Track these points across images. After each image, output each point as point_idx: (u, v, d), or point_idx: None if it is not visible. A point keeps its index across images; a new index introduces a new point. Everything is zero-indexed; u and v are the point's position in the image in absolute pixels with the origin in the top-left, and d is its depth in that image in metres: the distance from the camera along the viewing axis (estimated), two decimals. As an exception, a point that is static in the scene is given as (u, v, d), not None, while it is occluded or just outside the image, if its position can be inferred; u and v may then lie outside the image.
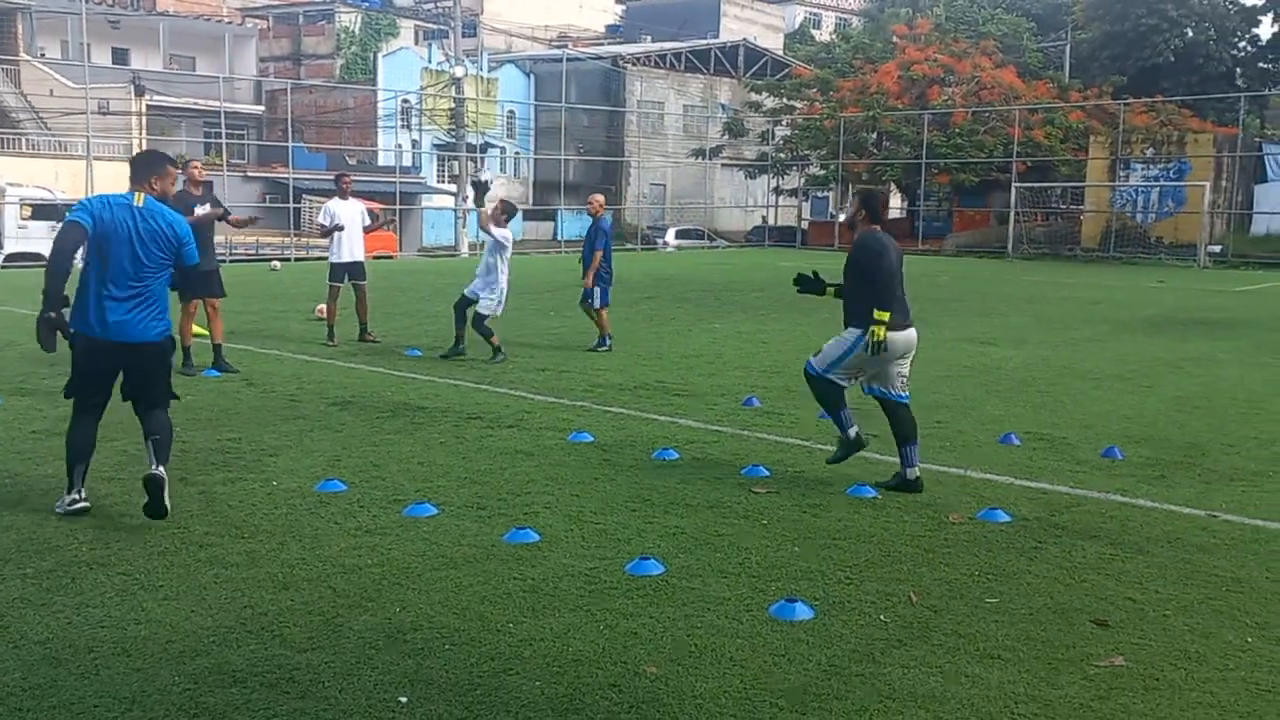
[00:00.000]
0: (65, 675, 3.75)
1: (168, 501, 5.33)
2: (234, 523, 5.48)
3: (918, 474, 6.32)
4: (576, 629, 4.23)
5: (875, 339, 6.23)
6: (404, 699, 3.64)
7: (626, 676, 3.83)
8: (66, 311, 5.51)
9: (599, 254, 11.78)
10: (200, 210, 9.93)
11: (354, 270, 12.22)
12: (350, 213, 12.16)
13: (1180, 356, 12.29)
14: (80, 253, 5.55)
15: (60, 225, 5.26)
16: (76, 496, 5.49)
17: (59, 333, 5.52)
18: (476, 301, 11.06)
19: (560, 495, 6.08)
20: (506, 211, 11.31)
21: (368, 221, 12.47)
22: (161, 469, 5.34)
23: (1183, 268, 30.81)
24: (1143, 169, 36.27)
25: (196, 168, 10.31)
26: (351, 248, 12.14)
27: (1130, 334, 14.50)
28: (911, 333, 6.59)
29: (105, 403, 5.70)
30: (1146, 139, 35.85)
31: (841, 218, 45.36)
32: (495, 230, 11.06)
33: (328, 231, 12.09)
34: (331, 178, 14.34)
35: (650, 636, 4.18)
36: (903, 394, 6.54)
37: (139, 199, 5.46)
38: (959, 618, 4.41)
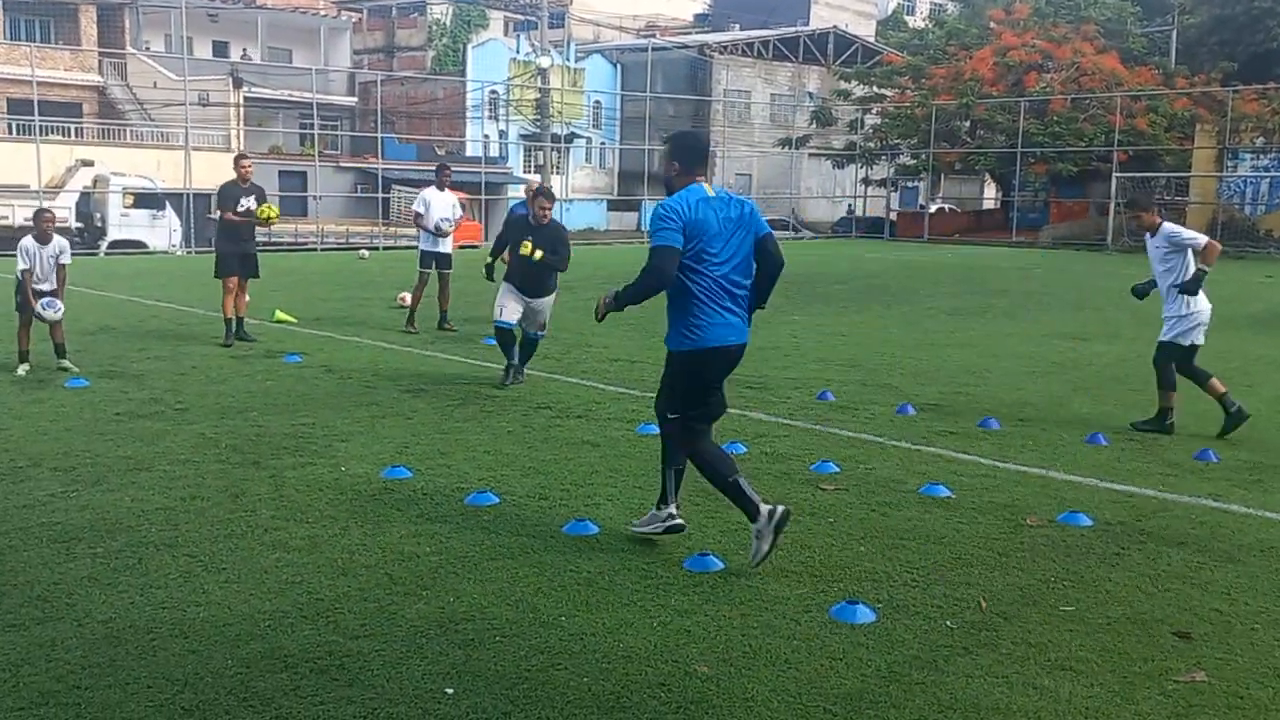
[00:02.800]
0: (124, 655, 3.81)
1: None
2: (300, 507, 5.53)
3: None
4: (629, 625, 4.15)
5: None
6: (450, 690, 3.60)
7: (677, 676, 3.74)
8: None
9: None
10: (246, 200, 11.05)
11: (441, 260, 12.44)
12: (443, 203, 12.37)
13: (1286, 355, 11.68)
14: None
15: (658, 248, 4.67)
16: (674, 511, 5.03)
17: None
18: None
19: (623, 487, 6.00)
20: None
21: (459, 213, 12.65)
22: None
23: (1294, 262, 29.39)
24: (1252, 159, 34.71)
25: (246, 167, 11.30)
26: (433, 239, 12.32)
27: (1234, 330, 13.84)
28: None
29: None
30: (1257, 127, 34.28)
31: (933, 207, 44.39)
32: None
33: (439, 230, 12.26)
34: (422, 168, 14.69)
35: (704, 635, 4.08)
36: None
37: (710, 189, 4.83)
38: (1030, 626, 4.21)
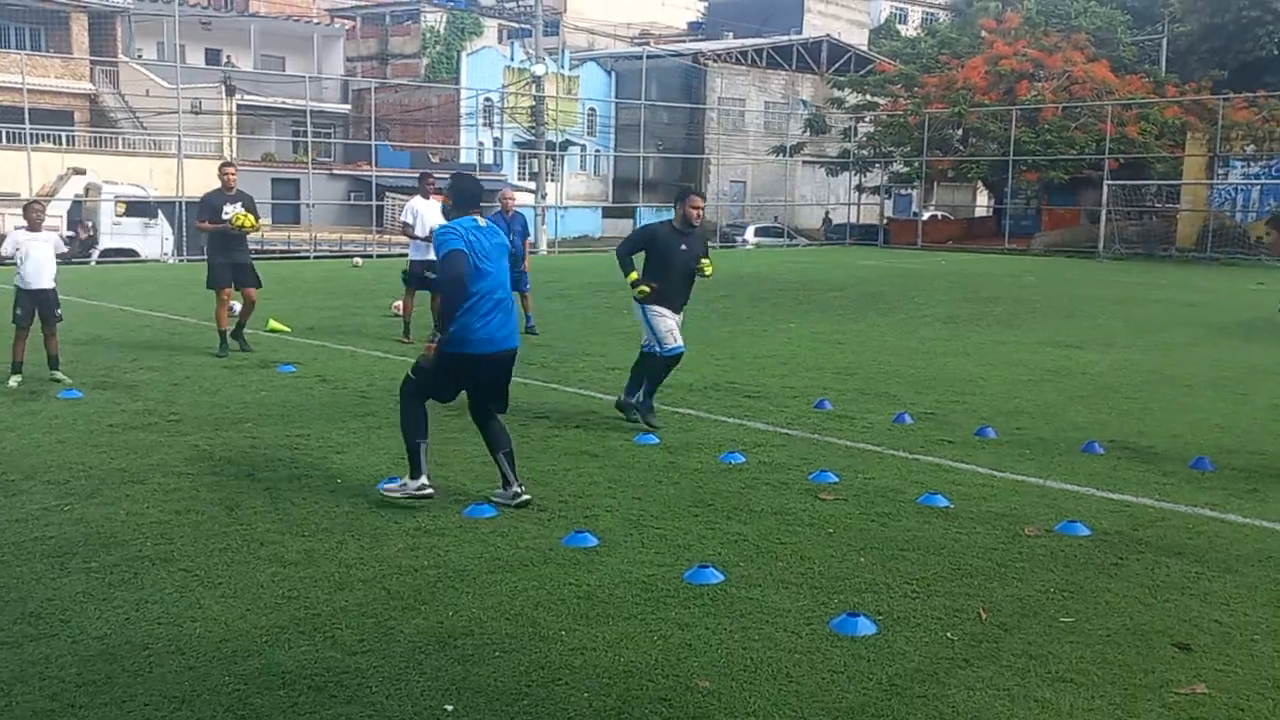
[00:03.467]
0: (119, 672, 3.78)
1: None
2: (296, 520, 5.50)
3: None
4: (629, 639, 4.13)
5: None
6: (450, 707, 3.58)
7: (678, 690, 3.72)
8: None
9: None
10: (230, 208, 10.80)
11: (432, 268, 12.34)
12: (433, 212, 12.27)
13: (1278, 362, 11.72)
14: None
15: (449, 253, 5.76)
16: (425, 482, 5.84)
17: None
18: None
19: (622, 498, 5.99)
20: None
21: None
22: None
23: (1285, 269, 29.49)
24: (1242, 166, 34.82)
25: (230, 174, 11.07)
26: (429, 247, 12.26)
27: (1226, 338, 13.89)
28: None
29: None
30: (1247, 135, 34.39)
31: (926, 215, 44.49)
32: None
33: (410, 233, 12.26)
34: (416, 176, 14.62)
35: (705, 649, 4.06)
36: None
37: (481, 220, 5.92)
38: (1030, 637, 4.20)
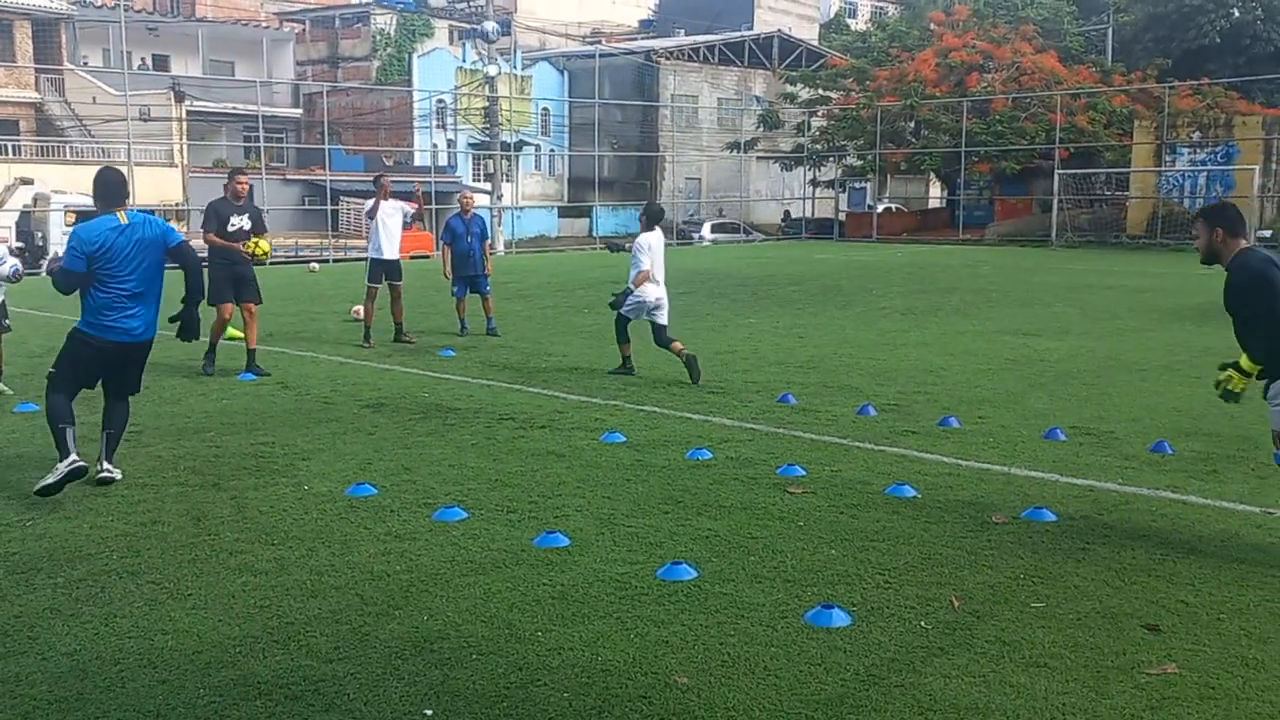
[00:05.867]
0: (91, 688, 3.71)
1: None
2: (264, 528, 5.44)
3: None
4: (606, 637, 4.13)
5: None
6: (429, 712, 3.56)
7: (657, 687, 3.73)
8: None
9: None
10: (237, 220, 10.04)
11: (390, 269, 12.24)
12: (389, 211, 12.20)
13: (1231, 346, 11.86)
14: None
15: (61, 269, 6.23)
16: (73, 457, 6.11)
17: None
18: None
19: (591, 498, 5.98)
20: (651, 215, 10.35)
21: (407, 221, 12.47)
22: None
23: (1232, 253, 30.07)
24: (1189, 153, 35.49)
25: (242, 183, 10.21)
26: (390, 245, 12.20)
27: (1179, 323, 14.15)
28: None
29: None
30: (1193, 122, 35.05)
31: (880, 207, 44.88)
32: None
33: (371, 213, 12.16)
34: (370, 179, 14.47)
35: (682, 645, 4.07)
36: None
37: (123, 217, 6.16)
38: (1003, 624, 4.26)
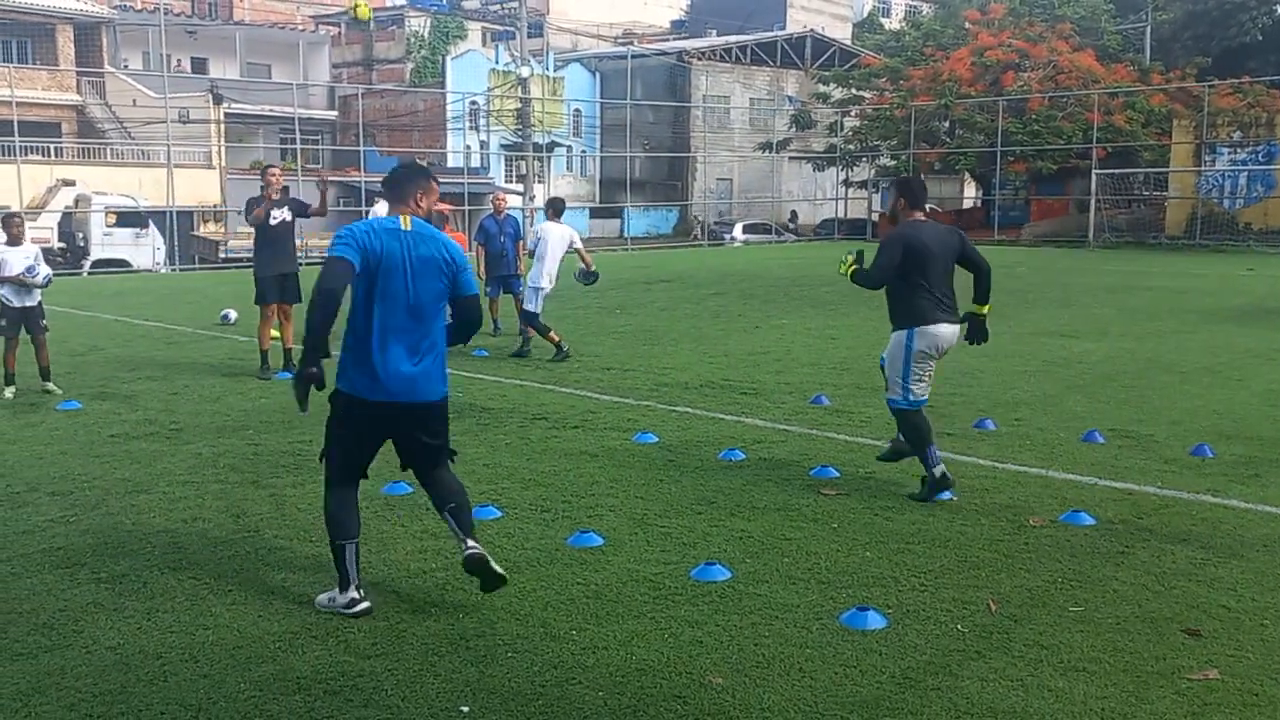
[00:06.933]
0: (134, 681, 3.77)
1: (498, 567, 4.43)
2: (303, 526, 5.50)
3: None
4: (640, 637, 4.14)
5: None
6: (465, 708, 3.59)
7: (691, 687, 3.74)
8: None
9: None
10: (279, 214, 9.97)
11: None
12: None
13: (1272, 347, 11.78)
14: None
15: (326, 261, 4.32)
16: (356, 595, 4.36)
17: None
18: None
19: (625, 497, 6.00)
20: (553, 207, 11.83)
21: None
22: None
23: (1273, 254, 29.65)
24: (1230, 153, 34.99)
25: (275, 174, 10.16)
26: None
27: (1219, 324, 13.95)
28: (955, 329, 6.04)
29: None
30: (1233, 122, 34.55)
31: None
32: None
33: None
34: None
35: (716, 645, 4.07)
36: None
37: (406, 221, 4.42)
38: (1041, 627, 4.23)
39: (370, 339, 4.34)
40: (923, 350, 5.92)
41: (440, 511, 4.55)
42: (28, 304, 9.08)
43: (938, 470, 5.93)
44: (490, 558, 4.41)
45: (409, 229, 4.38)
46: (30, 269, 8.95)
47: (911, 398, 6.00)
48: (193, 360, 11.18)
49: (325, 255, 4.35)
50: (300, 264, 10.54)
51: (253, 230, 10.29)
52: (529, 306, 11.28)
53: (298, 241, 10.58)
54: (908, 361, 5.95)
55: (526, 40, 38.55)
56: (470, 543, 4.39)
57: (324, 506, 4.46)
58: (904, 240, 5.88)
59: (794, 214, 46.88)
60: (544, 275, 11.24)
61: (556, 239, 11.37)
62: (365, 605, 4.32)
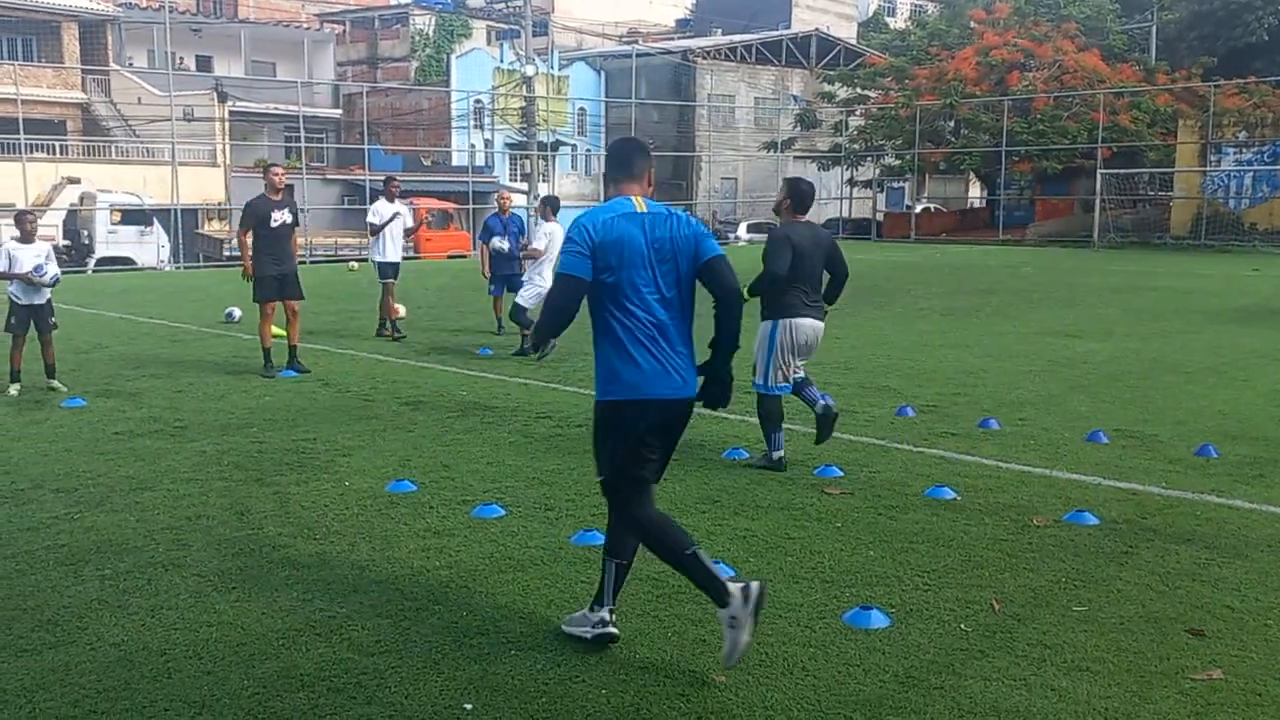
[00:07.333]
0: (138, 678, 3.78)
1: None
2: (307, 524, 5.51)
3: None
4: (644, 635, 4.14)
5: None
6: (469, 706, 3.59)
7: (694, 685, 3.74)
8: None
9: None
10: (279, 216, 9.97)
11: (391, 269, 12.95)
12: (385, 213, 12.92)
13: (1277, 348, 11.76)
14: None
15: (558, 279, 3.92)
16: (606, 616, 4.01)
17: None
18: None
19: (630, 496, 5.99)
20: (550, 205, 11.84)
21: (408, 224, 13.24)
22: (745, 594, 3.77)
23: (1279, 255, 29.61)
24: (1235, 153, 34.95)
25: (278, 174, 10.17)
26: (394, 248, 12.90)
27: (1224, 325, 13.94)
28: (818, 325, 6.58)
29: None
30: (1239, 122, 34.51)
31: (919, 207, 44.65)
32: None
33: (377, 230, 12.88)
34: (408, 179, 15.10)
35: (719, 644, 4.05)
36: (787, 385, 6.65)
37: (640, 203, 3.98)
38: (1044, 627, 4.22)
39: (628, 335, 3.89)
40: (785, 341, 6.45)
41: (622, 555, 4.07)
42: (36, 301, 9.10)
43: (776, 454, 6.58)
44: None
45: (644, 210, 3.94)
46: (39, 268, 8.96)
47: (770, 384, 6.55)
48: (197, 358, 11.20)
49: (555, 271, 3.97)
50: (303, 261, 10.59)
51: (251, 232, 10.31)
52: (529, 303, 11.20)
53: (300, 240, 10.68)
54: (770, 350, 6.49)
55: (531, 39, 38.59)
56: (608, 614, 4.01)
57: (638, 530, 3.94)
58: (789, 240, 6.36)
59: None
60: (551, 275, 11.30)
61: (562, 238, 11.41)
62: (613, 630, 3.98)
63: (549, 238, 11.22)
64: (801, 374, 6.72)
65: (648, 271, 3.89)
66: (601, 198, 41.60)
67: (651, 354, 3.91)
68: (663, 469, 4.17)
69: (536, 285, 11.20)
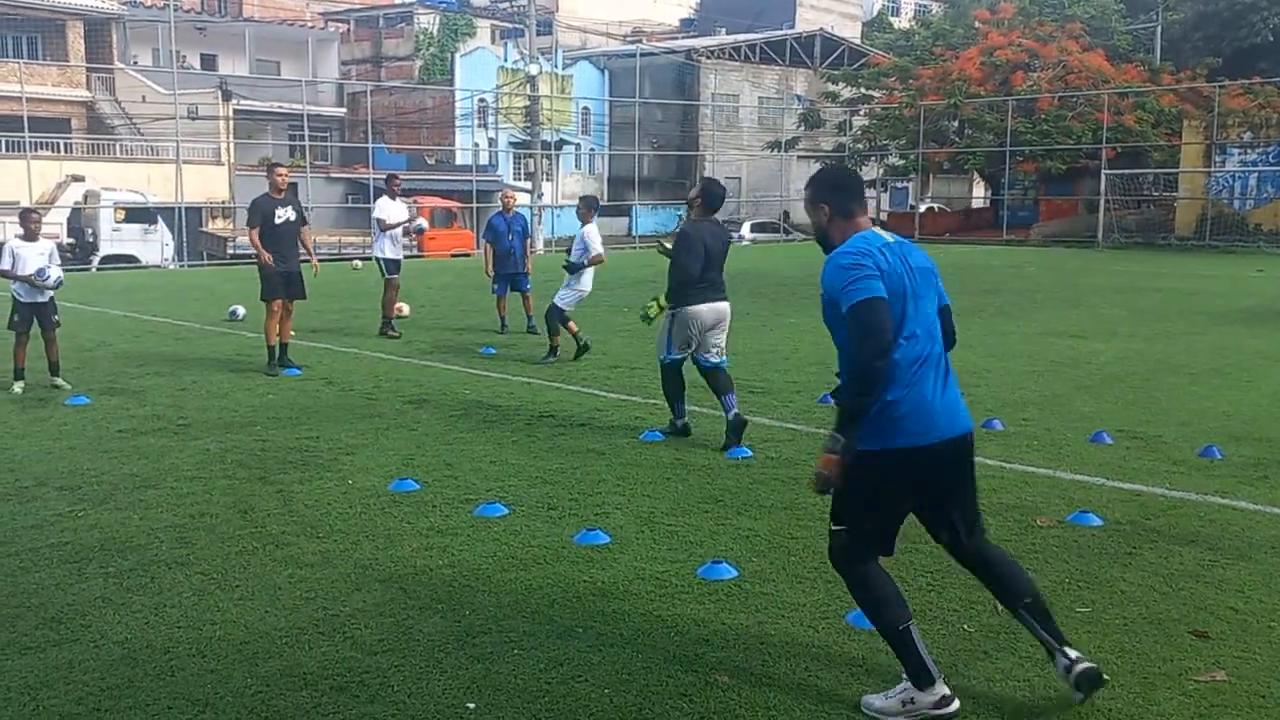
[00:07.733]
0: (141, 676, 3.79)
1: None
2: (310, 522, 5.51)
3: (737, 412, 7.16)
4: (646, 635, 4.14)
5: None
6: (472, 705, 3.59)
7: (698, 685, 3.74)
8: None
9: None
10: (283, 214, 10.04)
11: (393, 267, 13.03)
12: (397, 212, 13.05)
13: (1282, 349, 11.73)
14: None
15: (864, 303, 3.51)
16: (946, 692, 3.53)
17: None
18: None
19: (631, 495, 6.00)
20: (590, 205, 11.29)
21: (423, 227, 13.76)
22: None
23: (1283, 255, 29.55)
24: (1240, 154, 34.85)
25: (281, 174, 10.24)
26: (395, 246, 13.05)
27: (1228, 326, 13.91)
28: (721, 305, 7.25)
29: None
30: (1244, 122, 34.40)
31: (923, 207, 44.63)
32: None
33: (407, 228, 13.15)
34: (412, 178, 15.17)
35: (722, 644, 4.07)
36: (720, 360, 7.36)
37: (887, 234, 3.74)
38: (1047, 627, 4.21)
39: (901, 374, 3.52)
40: (681, 324, 7.18)
41: (1015, 609, 3.66)
42: (38, 300, 9.12)
43: (680, 422, 7.45)
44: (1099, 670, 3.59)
45: (893, 240, 3.70)
46: (41, 271, 8.95)
47: (666, 356, 7.35)
48: (201, 356, 11.21)
49: (853, 301, 3.55)
50: (305, 260, 10.63)
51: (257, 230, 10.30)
52: (569, 306, 10.82)
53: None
54: (669, 330, 7.27)
55: (535, 38, 38.56)
56: (1071, 653, 3.55)
57: (859, 592, 3.68)
58: (699, 238, 7.08)
59: (785, 214, 46.81)
60: (591, 281, 11.19)
61: (598, 237, 11.10)
62: (955, 704, 3.50)
63: (588, 240, 10.87)
64: (725, 360, 7.40)
65: (914, 304, 3.60)
66: (605, 198, 41.05)
67: (927, 391, 3.57)
68: (954, 525, 3.85)
69: (576, 289, 10.89)
